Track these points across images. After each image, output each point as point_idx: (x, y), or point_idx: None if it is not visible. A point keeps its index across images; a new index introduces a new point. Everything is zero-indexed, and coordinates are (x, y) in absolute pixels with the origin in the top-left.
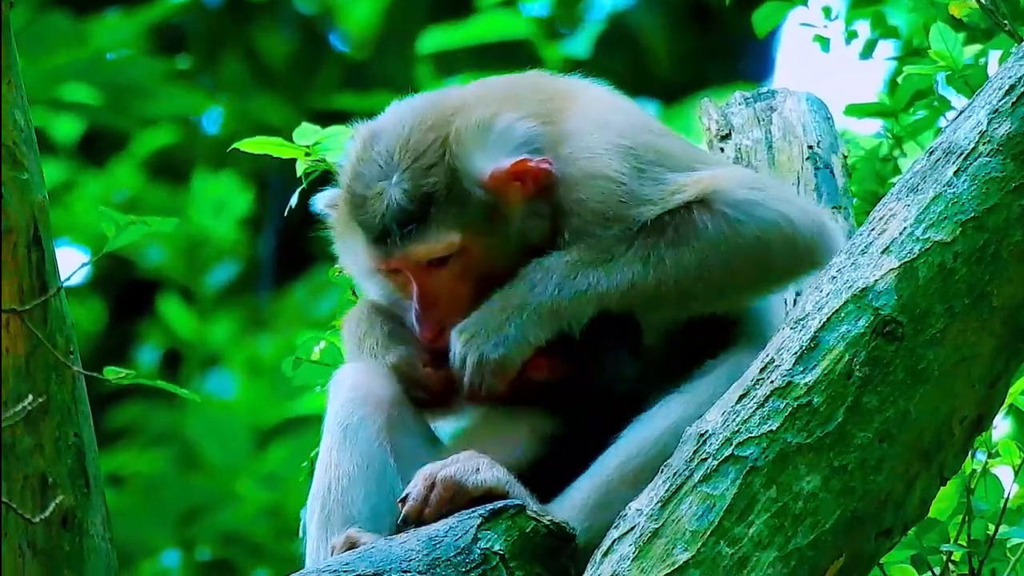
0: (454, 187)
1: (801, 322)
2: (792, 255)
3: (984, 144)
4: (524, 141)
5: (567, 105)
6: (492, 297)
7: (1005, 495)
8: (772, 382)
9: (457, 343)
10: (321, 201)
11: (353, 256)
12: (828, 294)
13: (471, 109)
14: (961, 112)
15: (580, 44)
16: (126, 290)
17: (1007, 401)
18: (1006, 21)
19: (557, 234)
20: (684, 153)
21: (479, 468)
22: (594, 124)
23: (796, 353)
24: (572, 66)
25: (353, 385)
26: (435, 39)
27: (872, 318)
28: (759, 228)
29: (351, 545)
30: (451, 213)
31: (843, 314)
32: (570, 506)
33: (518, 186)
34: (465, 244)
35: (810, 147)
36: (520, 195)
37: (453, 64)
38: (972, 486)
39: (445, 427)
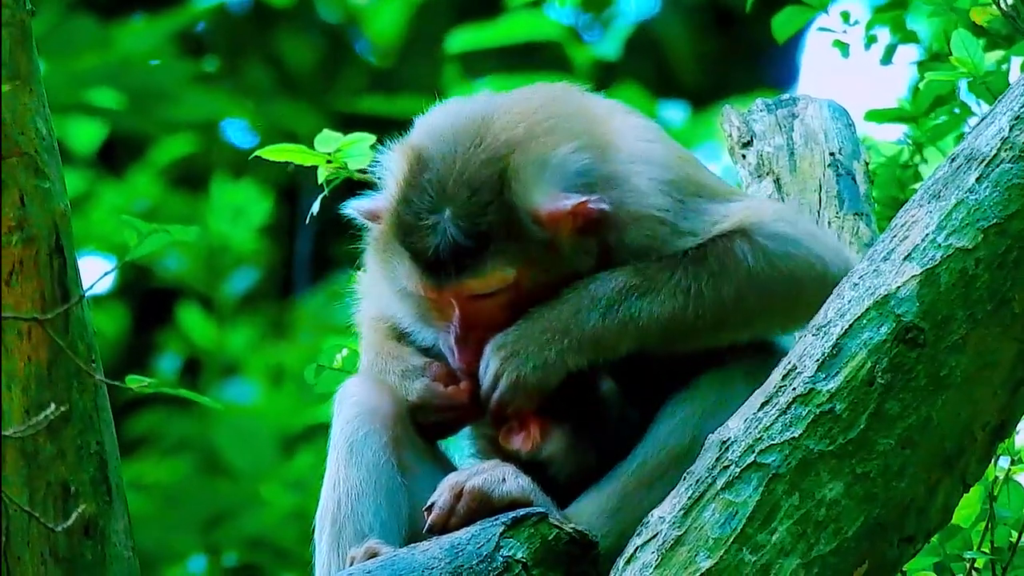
0: (511, 224)
1: (823, 329)
2: (822, 292)
3: (1006, 150)
4: (579, 176)
5: (608, 133)
6: (534, 315)
7: None
8: (794, 389)
9: (494, 359)
10: (357, 208)
11: (393, 275)
12: (850, 301)
13: (526, 143)
14: (983, 118)
15: (609, 46)
16: (146, 298)
17: None
18: None
19: (603, 267)
20: (719, 185)
21: (505, 478)
22: (639, 160)
23: (818, 360)
24: (600, 69)
25: (358, 401)
26: (462, 40)
27: (894, 325)
28: (795, 264)
29: (371, 555)
30: (508, 249)
31: (865, 321)
32: (589, 512)
33: (570, 220)
34: (518, 278)
35: (832, 154)
36: (571, 229)
37: (480, 66)
38: (995, 493)
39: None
